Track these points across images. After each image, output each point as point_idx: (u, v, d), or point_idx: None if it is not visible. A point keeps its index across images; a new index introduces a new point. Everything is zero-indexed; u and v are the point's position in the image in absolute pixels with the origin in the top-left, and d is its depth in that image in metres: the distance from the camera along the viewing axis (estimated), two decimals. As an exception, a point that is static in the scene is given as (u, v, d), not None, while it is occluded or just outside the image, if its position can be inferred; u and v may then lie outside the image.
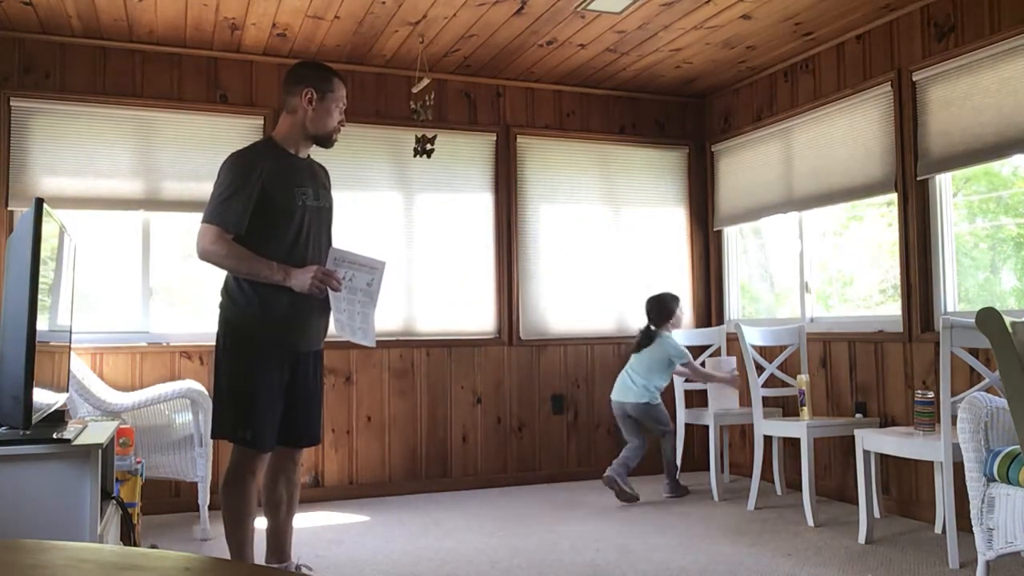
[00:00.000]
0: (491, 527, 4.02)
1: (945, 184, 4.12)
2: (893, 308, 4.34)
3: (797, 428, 4.08)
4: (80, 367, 3.95)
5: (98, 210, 4.48)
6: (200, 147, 4.60)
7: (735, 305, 5.59)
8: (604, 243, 5.42)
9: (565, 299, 5.31)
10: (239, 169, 2.77)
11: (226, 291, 2.84)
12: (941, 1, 4.01)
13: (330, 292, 2.74)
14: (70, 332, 2.89)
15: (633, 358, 4.76)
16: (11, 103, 4.30)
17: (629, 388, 4.68)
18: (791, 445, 4.73)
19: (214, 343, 2.86)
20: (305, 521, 4.11)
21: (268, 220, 2.77)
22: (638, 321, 5.51)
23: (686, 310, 5.64)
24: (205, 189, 2.86)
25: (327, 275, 2.73)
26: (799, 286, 4.95)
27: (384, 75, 4.99)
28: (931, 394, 3.61)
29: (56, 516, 2.10)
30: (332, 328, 2.89)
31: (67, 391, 2.88)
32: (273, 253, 2.75)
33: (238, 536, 2.79)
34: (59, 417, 2.52)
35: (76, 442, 2.15)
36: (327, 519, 4.24)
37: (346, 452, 4.77)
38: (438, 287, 5.06)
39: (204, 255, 2.75)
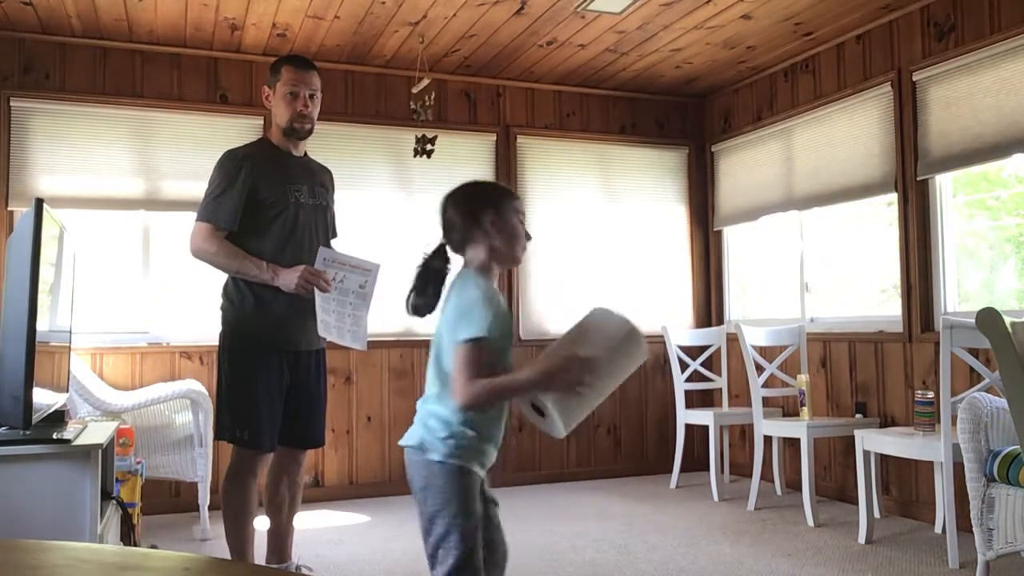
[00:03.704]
0: (491, 527, 4.01)
1: (945, 184, 4.12)
2: (893, 308, 4.34)
3: (797, 428, 4.08)
4: (80, 367, 3.95)
5: (98, 210, 4.48)
6: (200, 147, 4.59)
7: (735, 305, 5.58)
8: (604, 243, 5.42)
9: (565, 299, 5.30)
10: (229, 167, 2.79)
11: (225, 292, 2.85)
12: (941, 1, 4.01)
13: (317, 293, 2.73)
14: (70, 332, 2.89)
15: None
16: (11, 103, 4.30)
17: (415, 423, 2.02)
18: (791, 445, 4.73)
19: (214, 344, 2.87)
20: (305, 521, 4.10)
21: (260, 217, 2.78)
22: (638, 321, 5.48)
23: (686, 309, 5.63)
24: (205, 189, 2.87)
25: (314, 275, 2.72)
26: (799, 286, 4.95)
27: (384, 75, 4.99)
28: (931, 394, 3.61)
29: (56, 516, 2.10)
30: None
31: (67, 391, 2.88)
32: (266, 250, 2.76)
33: (238, 536, 2.80)
34: (59, 417, 2.52)
35: (76, 442, 2.15)
36: (327, 519, 4.24)
37: (346, 452, 4.77)
38: (438, 287, 5.04)
39: (196, 252, 2.78)
